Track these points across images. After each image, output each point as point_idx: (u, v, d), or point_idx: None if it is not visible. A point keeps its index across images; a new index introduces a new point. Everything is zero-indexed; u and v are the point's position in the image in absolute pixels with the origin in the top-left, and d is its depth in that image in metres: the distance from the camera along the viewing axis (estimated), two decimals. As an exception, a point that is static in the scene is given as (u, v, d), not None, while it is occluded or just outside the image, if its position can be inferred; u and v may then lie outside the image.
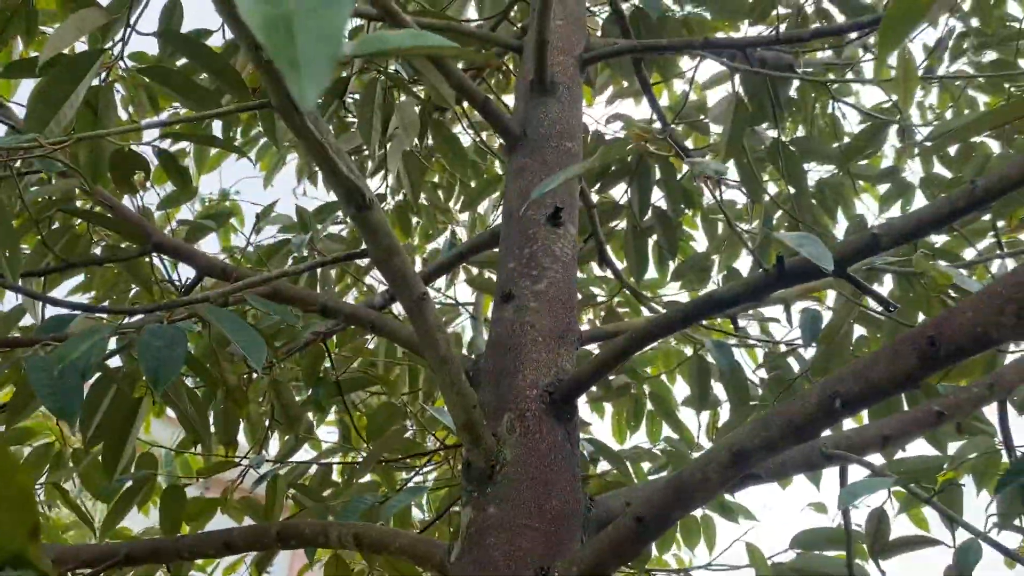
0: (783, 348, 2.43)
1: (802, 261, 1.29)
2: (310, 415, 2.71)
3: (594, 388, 2.96)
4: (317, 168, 2.96)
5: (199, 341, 1.94)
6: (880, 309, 2.04)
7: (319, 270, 2.92)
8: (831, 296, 2.70)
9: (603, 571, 1.29)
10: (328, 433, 2.95)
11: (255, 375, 2.35)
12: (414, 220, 3.47)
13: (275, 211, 2.84)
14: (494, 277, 2.93)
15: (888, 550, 1.62)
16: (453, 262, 2.27)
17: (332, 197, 3.22)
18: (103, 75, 1.91)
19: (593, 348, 2.53)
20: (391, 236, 1.37)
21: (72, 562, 1.78)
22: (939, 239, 2.41)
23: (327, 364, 2.53)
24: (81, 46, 2.32)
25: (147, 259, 2.10)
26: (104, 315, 1.77)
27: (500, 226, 1.90)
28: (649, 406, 2.91)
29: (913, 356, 1.03)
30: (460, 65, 2.49)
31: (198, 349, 1.91)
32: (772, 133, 2.58)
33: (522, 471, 1.44)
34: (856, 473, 1.72)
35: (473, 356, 1.70)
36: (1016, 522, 1.96)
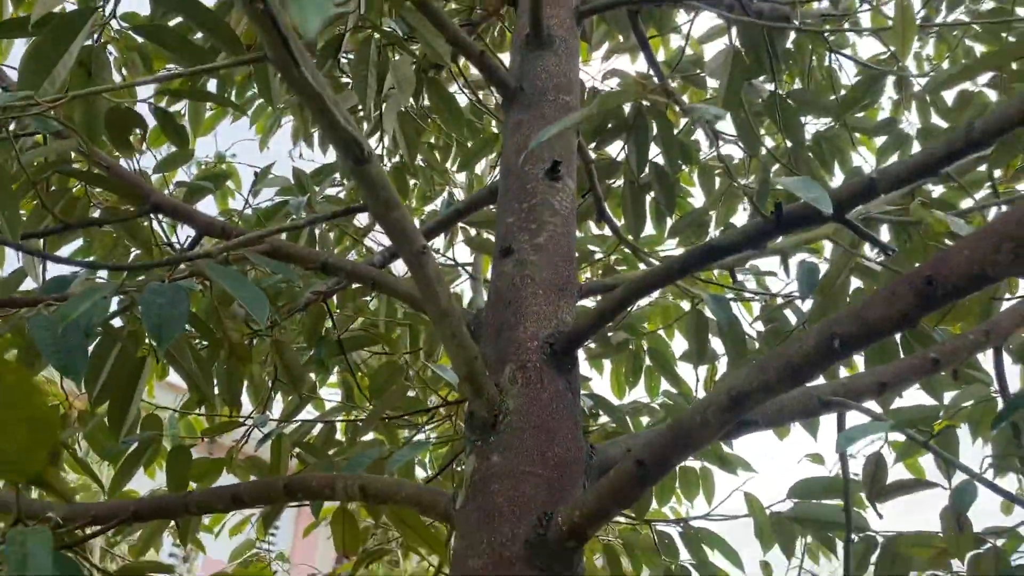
0: (780, 300, 2.45)
1: (800, 207, 1.30)
2: (312, 376, 2.73)
3: (593, 345, 2.98)
4: (314, 122, 2.94)
5: (201, 303, 1.95)
6: (877, 259, 2.05)
7: (318, 232, 2.92)
8: (828, 250, 2.71)
9: (604, 515, 1.31)
10: (331, 394, 2.97)
11: (257, 338, 2.36)
12: (411, 182, 3.46)
13: (272, 174, 2.83)
14: (492, 237, 2.93)
15: (885, 493, 1.64)
16: (451, 220, 2.28)
17: (329, 159, 3.21)
18: (95, 36, 1.90)
19: (592, 308, 2.54)
20: (390, 189, 1.37)
21: (82, 518, 1.81)
22: (936, 190, 2.41)
23: (329, 324, 2.55)
24: (72, 8, 2.29)
25: (146, 222, 2.10)
26: (105, 275, 1.77)
27: (498, 182, 1.90)
28: (647, 361, 2.93)
29: (910, 296, 1.04)
30: (455, 20, 2.47)
31: (200, 310, 1.92)
32: (769, 87, 2.57)
33: (524, 420, 1.46)
34: (853, 420, 1.75)
35: (474, 311, 1.72)
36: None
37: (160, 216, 2.44)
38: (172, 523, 2.59)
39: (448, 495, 1.51)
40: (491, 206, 3.05)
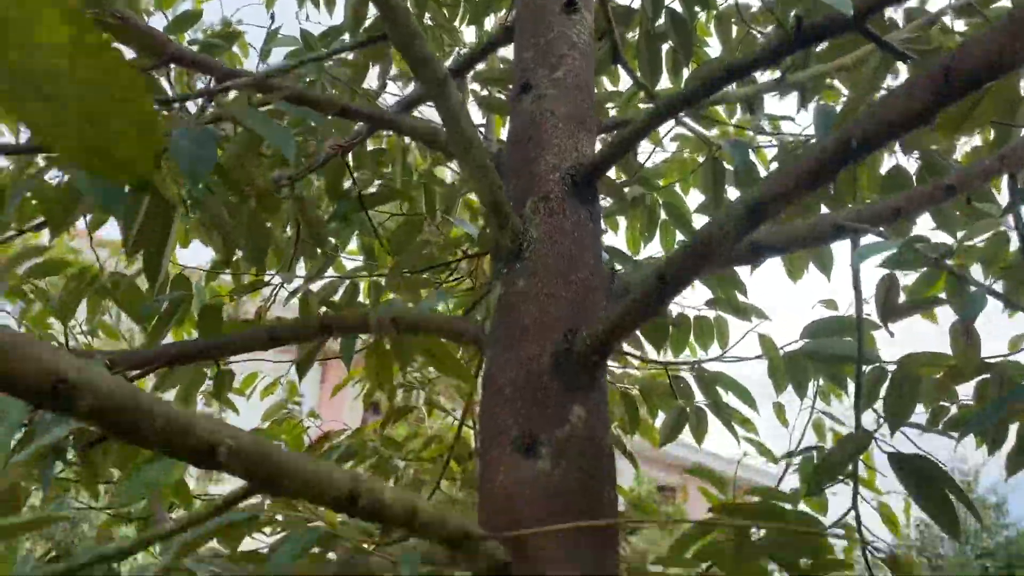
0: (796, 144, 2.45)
1: (820, 20, 1.30)
2: (333, 240, 2.78)
3: (608, 202, 3.01)
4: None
5: (225, 154, 1.98)
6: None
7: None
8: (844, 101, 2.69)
9: (628, 328, 1.37)
10: (353, 261, 3.03)
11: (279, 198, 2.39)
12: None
13: (281, 35, 2.79)
14: (504, 96, 2.91)
15: (897, 313, 1.70)
16: (465, 66, 2.27)
17: (336, 20, 3.16)
18: None
19: (613, 137, 2.54)
20: (410, 18, 1.37)
21: (125, 364, 1.90)
22: (959, 27, 2.37)
23: (348, 184, 2.58)
24: None
25: (163, 75, 2.10)
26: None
27: (514, 21, 1.88)
28: (663, 216, 2.96)
29: (928, 90, 1.06)
30: None
31: (225, 159, 1.94)
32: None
33: (548, 247, 1.51)
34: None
35: (495, 149, 1.74)
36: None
37: (172, 78, 2.44)
38: (205, 384, 2.70)
39: (477, 324, 1.58)
40: (501, 64, 3.02)
